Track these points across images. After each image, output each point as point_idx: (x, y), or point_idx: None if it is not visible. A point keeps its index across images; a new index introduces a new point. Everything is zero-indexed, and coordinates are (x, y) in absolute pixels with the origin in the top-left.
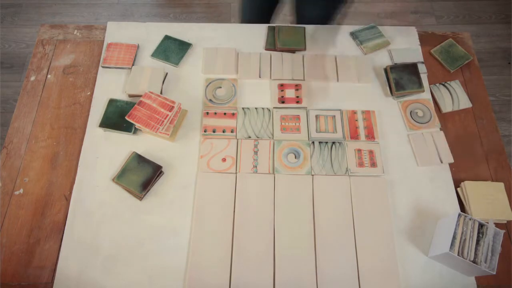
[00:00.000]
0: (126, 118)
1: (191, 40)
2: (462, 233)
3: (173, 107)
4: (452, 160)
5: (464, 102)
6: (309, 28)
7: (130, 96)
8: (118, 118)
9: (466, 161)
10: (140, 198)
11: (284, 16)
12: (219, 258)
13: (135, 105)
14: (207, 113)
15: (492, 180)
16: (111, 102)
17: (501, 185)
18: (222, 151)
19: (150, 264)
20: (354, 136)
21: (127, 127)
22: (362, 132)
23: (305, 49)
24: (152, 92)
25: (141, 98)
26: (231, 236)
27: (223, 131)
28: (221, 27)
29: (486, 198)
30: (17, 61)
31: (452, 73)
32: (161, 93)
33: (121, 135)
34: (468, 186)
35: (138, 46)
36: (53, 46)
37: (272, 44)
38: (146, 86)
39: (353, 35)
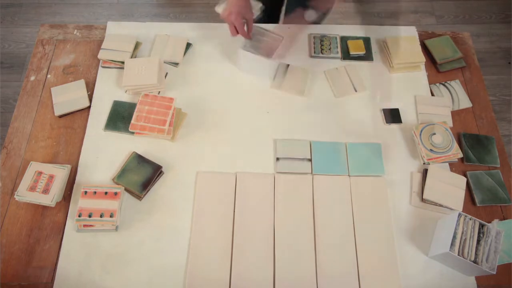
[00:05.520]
0: (130, 129)
1: (191, 40)
2: (463, 233)
3: (168, 112)
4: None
5: (464, 102)
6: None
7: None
8: (121, 119)
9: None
10: (140, 198)
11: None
12: (219, 258)
13: (135, 113)
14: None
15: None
16: (115, 104)
17: (413, 37)
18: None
19: (150, 264)
20: None
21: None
22: None
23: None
24: (142, 102)
25: (137, 105)
26: (231, 236)
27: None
28: (221, 27)
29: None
30: (17, 61)
31: (440, 64)
32: (159, 94)
33: (121, 135)
34: (389, 41)
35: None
36: (53, 46)
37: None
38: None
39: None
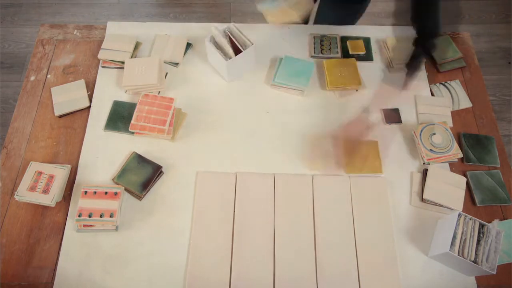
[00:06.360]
0: (130, 129)
1: (191, 40)
2: (463, 233)
3: (168, 112)
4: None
5: (464, 102)
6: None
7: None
8: (121, 119)
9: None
10: (140, 198)
11: None
12: (219, 258)
13: (135, 113)
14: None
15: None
16: (115, 104)
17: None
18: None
19: (150, 264)
20: None
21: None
22: None
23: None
24: (142, 102)
25: (137, 105)
26: (231, 236)
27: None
28: (221, 27)
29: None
30: (17, 61)
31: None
32: (158, 94)
33: (121, 135)
34: (389, 41)
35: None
36: (53, 46)
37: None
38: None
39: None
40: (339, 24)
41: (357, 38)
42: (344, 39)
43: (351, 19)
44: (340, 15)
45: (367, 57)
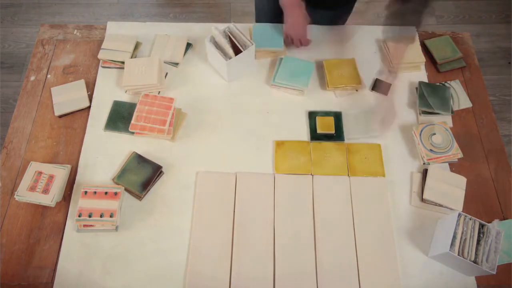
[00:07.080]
0: (130, 129)
1: (191, 40)
2: (463, 233)
3: (168, 112)
4: None
5: (464, 102)
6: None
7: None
8: (121, 119)
9: (466, 160)
10: (140, 198)
11: None
12: (219, 257)
13: (135, 113)
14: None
15: (493, 181)
16: (115, 104)
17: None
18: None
19: (150, 264)
20: None
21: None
22: None
23: None
24: (142, 102)
25: (137, 105)
26: (231, 236)
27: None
28: (221, 27)
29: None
30: (17, 61)
31: (440, 64)
32: (158, 94)
33: (121, 135)
34: (389, 41)
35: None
36: (53, 46)
37: None
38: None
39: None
40: (330, 24)
41: (327, 113)
42: (312, 115)
43: (341, 20)
44: (330, 16)
45: (337, 137)
